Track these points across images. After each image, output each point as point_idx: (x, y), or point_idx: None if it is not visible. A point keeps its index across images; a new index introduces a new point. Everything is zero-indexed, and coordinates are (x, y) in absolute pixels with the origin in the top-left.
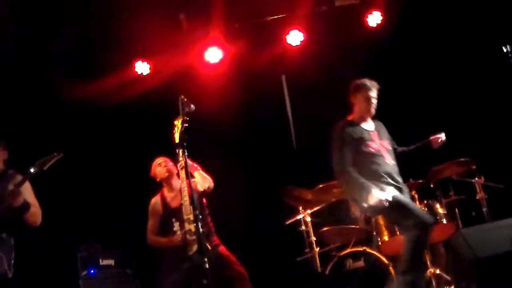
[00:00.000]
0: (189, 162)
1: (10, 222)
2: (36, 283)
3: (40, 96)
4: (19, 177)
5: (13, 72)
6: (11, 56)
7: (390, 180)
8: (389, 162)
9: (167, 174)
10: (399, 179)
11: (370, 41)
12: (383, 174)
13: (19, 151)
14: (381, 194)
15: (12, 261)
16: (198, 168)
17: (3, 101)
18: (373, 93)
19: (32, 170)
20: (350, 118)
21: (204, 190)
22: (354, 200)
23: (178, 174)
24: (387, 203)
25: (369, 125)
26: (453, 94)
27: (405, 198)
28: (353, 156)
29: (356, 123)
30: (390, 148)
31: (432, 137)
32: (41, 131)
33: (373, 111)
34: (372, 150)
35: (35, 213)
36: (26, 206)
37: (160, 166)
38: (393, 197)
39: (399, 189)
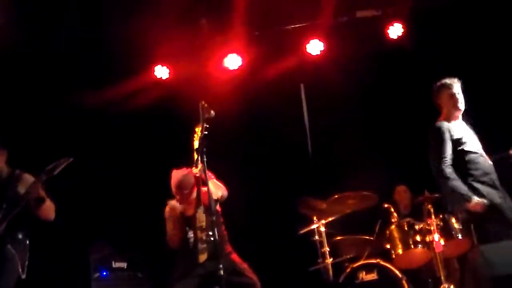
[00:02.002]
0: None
1: (26, 222)
2: (48, 284)
3: (60, 101)
4: (27, 177)
5: (33, 77)
6: (29, 60)
7: (489, 181)
8: (489, 162)
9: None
10: (497, 181)
11: (390, 53)
12: (485, 174)
13: (39, 156)
14: (479, 199)
15: (26, 262)
16: (212, 176)
17: (22, 107)
18: (455, 89)
19: (42, 176)
20: (441, 119)
21: (217, 198)
22: (451, 201)
23: (195, 181)
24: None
25: (461, 124)
26: (475, 106)
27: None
28: (453, 155)
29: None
30: None
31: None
32: (61, 134)
33: (461, 106)
34: (473, 149)
35: (49, 207)
36: (41, 199)
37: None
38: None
39: (497, 189)
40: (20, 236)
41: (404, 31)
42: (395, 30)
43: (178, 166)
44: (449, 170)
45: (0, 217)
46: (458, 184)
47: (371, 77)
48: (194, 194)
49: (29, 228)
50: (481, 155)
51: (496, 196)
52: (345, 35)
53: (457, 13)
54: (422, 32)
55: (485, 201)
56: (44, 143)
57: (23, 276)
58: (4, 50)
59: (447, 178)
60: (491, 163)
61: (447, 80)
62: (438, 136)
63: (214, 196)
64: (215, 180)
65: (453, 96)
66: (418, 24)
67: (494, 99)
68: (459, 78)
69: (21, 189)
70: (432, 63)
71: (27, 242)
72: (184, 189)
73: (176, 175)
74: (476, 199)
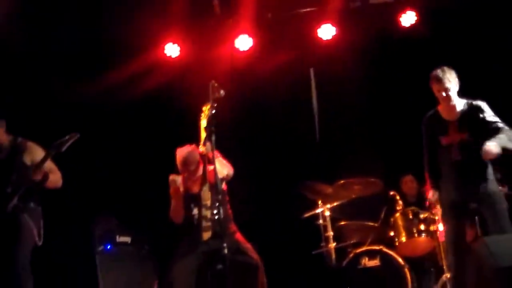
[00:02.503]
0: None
1: (36, 191)
2: (53, 255)
3: (70, 80)
4: (31, 146)
5: (39, 57)
6: (31, 40)
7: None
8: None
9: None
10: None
11: (402, 41)
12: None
13: (50, 136)
14: None
15: (42, 230)
16: (218, 155)
17: (37, 89)
18: (437, 86)
19: (51, 151)
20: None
21: (223, 177)
22: None
23: (201, 159)
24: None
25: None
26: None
27: None
28: None
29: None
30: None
31: None
32: (70, 111)
33: (446, 102)
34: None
35: (55, 178)
36: (45, 177)
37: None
38: None
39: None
40: (32, 204)
41: (417, 19)
42: (408, 18)
43: (184, 144)
44: None
45: (12, 190)
46: None
47: (382, 64)
48: (200, 172)
49: (39, 195)
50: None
51: None
52: (357, 21)
53: (472, 4)
54: (435, 21)
55: None
56: (51, 123)
57: (40, 243)
58: (10, 28)
59: None
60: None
61: (433, 74)
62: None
63: (220, 175)
64: (221, 158)
65: (437, 93)
66: (431, 13)
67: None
68: (471, 70)
69: (27, 159)
70: (444, 52)
71: (40, 209)
72: (190, 165)
73: (181, 152)
74: None
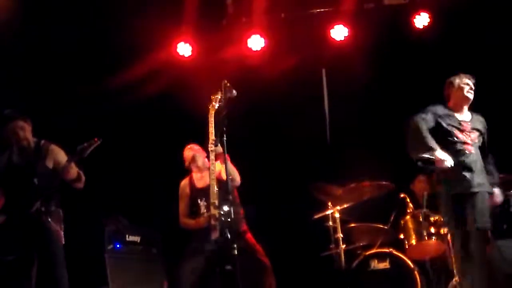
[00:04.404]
0: (221, 150)
1: (56, 194)
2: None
3: (84, 78)
4: (54, 149)
5: (53, 56)
6: (42, 39)
7: None
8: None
9: (191, 156)
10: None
11: (415, 43)
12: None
13: (62, 137)
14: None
15: (62, 232)
16: (228, 159)
17: (45, 87)
18: (468, 80)
19: (73, 156)
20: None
21: (233, 183)
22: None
23: (207, 157)
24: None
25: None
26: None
27: None
28: None
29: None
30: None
31: None
32: (84, 110)
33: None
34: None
35: (82, 180)
36: (79, 177)
37: (186, 151)
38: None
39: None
40: (53, 207)
41: (430, 21)
42: (422, 20)
43: (194, 142)
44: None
45: (35, 194)
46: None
47: (394, 66)
48: (207, 166)
49: (59, 198)
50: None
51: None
52: (370, 22)
53: (486, 6)
54: (448, 23)
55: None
56: (67, 122)
57: (63, 242)
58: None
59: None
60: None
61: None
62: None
63: (232, 181)
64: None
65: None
66: (445, 15)
67: None
68: (484, 73)
69: (49, 163)
70: (457, 55)
71: (61, 211)
72: (197, 161)
73: (189, 149)
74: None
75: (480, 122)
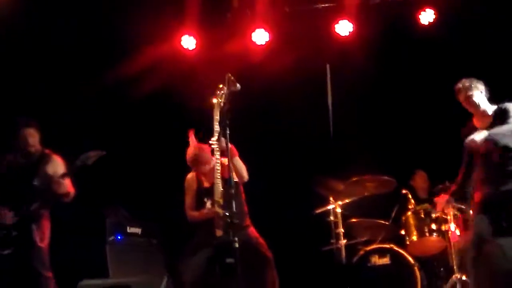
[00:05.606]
0: (224, 145)
1: (50, 200)
2: (64, 245)
3: (86, 73)
4: (56, 159)
5: (58, 50)
6: (47, 34)
7: None
8: None
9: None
10: None
11: (420, 39)
12: None
13: (64, 132)
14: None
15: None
16: (236, 154)
17: (45, 82)
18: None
19: (76, 164)
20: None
21: (241, 180)
22: None
23: (212, 151)
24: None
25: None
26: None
27: None
28: None
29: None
30: None
31: None
32: (87, 102)
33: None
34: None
35: (72, 196)
36: (68, 194)
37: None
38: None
39: None
40: (43, 210)
41: (435, 17)
42: (427, 16)
43: (196, 135)
44: None
45: (33, 194)
46: None
47: (398, 62)
48: (212, 165)
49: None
50: None
51: None
52: (375, 17)
53: (492, 3)
54: (454, 20)
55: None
56: (71, 112)
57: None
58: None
59: None
60: None
61: (459, 85)
62: None
63: (239, 178)
64: (238, 159)
65: (464, 101)
66: (450, 11)
67: None
68: (491, 71)
69: (50, 170)
70: (462, 51)
71: (48, 212)
72: (200, 163)
73: (191, 149)
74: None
75: None
